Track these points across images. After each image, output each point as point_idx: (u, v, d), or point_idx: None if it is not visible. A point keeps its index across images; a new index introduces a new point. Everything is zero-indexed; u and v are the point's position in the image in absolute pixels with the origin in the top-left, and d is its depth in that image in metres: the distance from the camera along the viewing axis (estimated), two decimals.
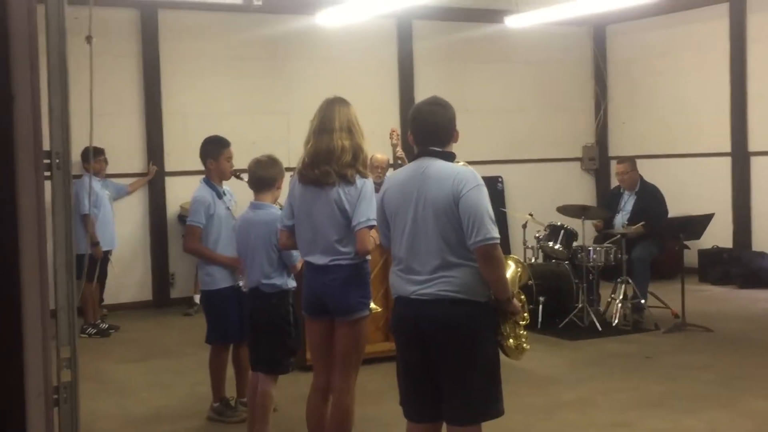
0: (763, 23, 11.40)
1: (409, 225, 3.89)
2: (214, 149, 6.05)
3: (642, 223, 8.96)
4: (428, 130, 3.97)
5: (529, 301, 8.49)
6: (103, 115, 9.76)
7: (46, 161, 2.24)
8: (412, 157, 4.11)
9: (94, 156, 9.10)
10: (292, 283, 5.27)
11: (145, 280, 10.78)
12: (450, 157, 3.95)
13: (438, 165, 3.89)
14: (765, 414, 6.03)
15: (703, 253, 11.58)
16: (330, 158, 4.45)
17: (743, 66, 11.60)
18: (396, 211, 3.96)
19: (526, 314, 4.10)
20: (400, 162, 9.08)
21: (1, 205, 2.07)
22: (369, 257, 4.58)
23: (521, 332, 4.05)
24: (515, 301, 3.92)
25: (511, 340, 3.97)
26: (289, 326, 5.24)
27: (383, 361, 6.80)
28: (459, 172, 3.84)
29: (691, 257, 11.00)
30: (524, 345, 4.07)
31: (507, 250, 11.26)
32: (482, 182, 3.84)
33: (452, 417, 3.92)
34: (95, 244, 8.96)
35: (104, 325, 9.26)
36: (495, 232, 3.74)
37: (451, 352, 3.83)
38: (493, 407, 3.93)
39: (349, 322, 4.49)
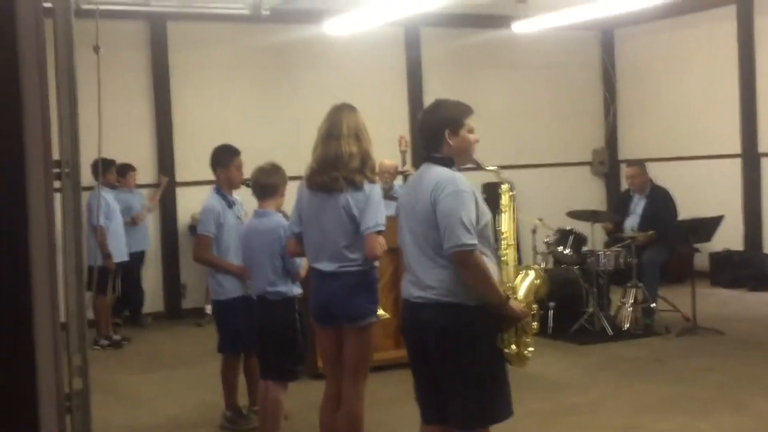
0: None
1: (408, 232, 3.96)
2: (225, 158, 6.09)
3: (651, 232, 8.94)
4: (422, 136, 4.03)
5: (539, 307, 8.57)
6: (113, 127, 9.81)
7: (56, 170, 2.26)
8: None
9: (104, 167, 9.21)
10: (297, 290, 5.30)
11: (156, 290, 10.81)
12: (447, 162, 3.92)
13: (431, 171, 3.92)
14: None
15: (713, 256, 11.55)
16: (338, 164, 4.48)
17: (752, 67, 11.59)
18: (401, 219, 4.03)
19: (535, 324, 4.06)
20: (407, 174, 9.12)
21: (12, 212, 2.09)
22: (377, 263, 4.59)
23: (527, 340, 3.99)
24: (515, 306, 3.87)
25: (513, 347, 3.90)
26: (295, 333, 5.26)
27: (394, 368, 6.81)
28: (442, 177, 3.85)
29: (701, 260, 10.98)
30: (526, 353, 3.98)
31: (517, 256, 11.23)
32: (465, 188, 3.79)
33: (453, 420, 3.94)
34: (107, 255, 9.01)
35: (117, 337, 9.30)
36: (466, 239, 3.71)
37: (444, 356, 3.87)
38: (492, 411, 3.90)
39: (356, 328, 4.50)
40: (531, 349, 4.02)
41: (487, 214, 3.88)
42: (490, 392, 3.89)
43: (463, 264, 3.74)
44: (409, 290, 3.97)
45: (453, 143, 3.92)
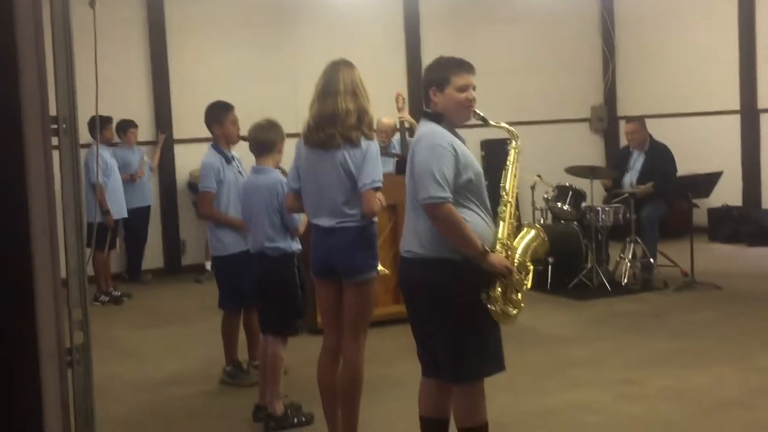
0: None
1: (407, 187, 4.05)
2: (219, 114, 6.09)
3: (651, 183, 8.96)
4: (421, 94, 4.10)
5: (538, 262, 8.60)
6: (109, 83, 9.71)
7: (54, 127, 2.26)
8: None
9: (102, 125, 9.20)
10: (296, 246, 5.32)
11: (156, 247, 10.84)
12: (434, 117, 3.98)
13: (420, 127, 4.05)
14: None
15: (712, 212, 11.58)
16: (334, 121, 4.47)
17: (752, 23, 11.51)
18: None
19: (528, 283, 4.04)
20: (408, 126, 9.09)
21: (10, 169, 2.10)
22: (376, 219, 4.60)
23: (515, 297, 3.93)
24: (495, 259, 3.83)
25: (499, 305, 3.86)
26: (295, 288, 5.29)
27: (393, 324, 6.86)
28: (421, 133, 3.96)
29: (700, 216, 11.00)
30: (511, 311, 3.92)
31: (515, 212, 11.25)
32: (440, 142, 3.83)
33: (444, 375, 3.99)
34: (106, 212, 9.04)
35: (117, 293, 9.35)
36: (434, 191, 3.75)
37: (426, 310, 3.93)
38: (482, 366, 3.93)
39: (356, 283, 4.52)
40: (517, 310, 3.94)
41: (472, 168, 3.89)
42: (479, 347, 3.91)
43: (433, 216, 3.80)
44: (402, 244, 4.07)
45: (438, 101, 3.97)
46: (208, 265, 9.88)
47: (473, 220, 3.86)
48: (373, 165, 4.46)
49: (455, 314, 3.86)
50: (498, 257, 3.86)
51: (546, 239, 4.24)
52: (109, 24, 9.87)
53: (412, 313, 4.09)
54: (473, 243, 3.79)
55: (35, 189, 2.12)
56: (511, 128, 4.26)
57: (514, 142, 4.25)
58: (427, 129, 3.95)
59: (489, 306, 3.84)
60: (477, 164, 3.96)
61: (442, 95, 3.96)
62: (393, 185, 5.59)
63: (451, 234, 3.80)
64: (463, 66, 4.01)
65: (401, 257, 4.07)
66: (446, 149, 3.82)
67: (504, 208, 4.04)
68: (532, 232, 4.16)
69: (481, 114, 4.10)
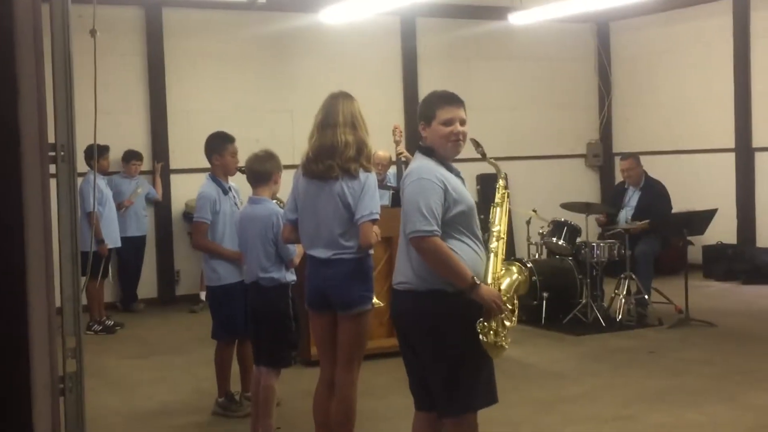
0: (767, 19, 11.40)
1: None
2: (219, 145, 6.10)
3: (647, 221, 8.97)
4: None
5: (533, 297, 8.62)
6: (108, 113, 9.81)
7: (51, 154, 2.27)
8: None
9: (99, 153, 9.22)
10: (291, 277, 5.31)
11: (150, 277, 10.81)
12: (426, 151, 4.01)
13: (413, 161, 4.06)
14: (767, 408, 6.04)
15: (707, 249, 11.59)
16: (333, 152, 4.49)
17: (747, 62, 11.61)
18: None
19: (515, 318, 4.01)
20: (404, 159, 9.11)
21: (7, 196, 2.10)
22: (372, 251, 4.61)
23: (503, 332, 3.90)
24: (485, 291, 3.81)
25: (491, 335, 3.85)
26: (288, 320, 5.28)
27: (387, 357, 6.83)
28: (411, 168, 3.98)
29: (695, 253, 11.03)
30: (503, 343, 3.91)
31: (511, 247, 11.28)
32: (428, 176, 3.84)
33: (439, 408, 3.98)
34: (100, 241, 9.03)
35: (110, 322, 9.31)
36: (420, 225, 3.76)
37: (417, 342, 3.93)
38: (475, 398, 3.92)
39: (351, 315, 4.52)
40: (507, 341, 3.93)
41: (464, 202, 3.90)
42: (472, 378, 3.89)
43: (418, 249, 3.82)
44: (394, 276, 4.07)
45: (427, 134, 4.00)
46: (203, 295, 9.85)
47: (464, 251, 3.87)
48: (370, 197, 4.48)
49: (448, 345, 3.85)
50: (488, 290, 3.86)
51: (527, 276, 4.26)
52: (109, 54, 9.94)
53: (404, 345, 4.07)
54: (462, 274, 3.79)
55: (32, 216, 2.12)
56: (498, 166, 4.27)
57: (500, 180, 4.26)
58: (418, 164, 3.98)
59: (481, 337, 3.84)
60: (469, 197, 3.97)
61: (430, 129, 3.98)
62: (389, 218, 5.59)
63: (439, 266, 3.82)
64: (449, 100, 4.01)
65: (393, 289, 4.06)
66: (434, 183, 3.83)
67: (497, 243, 4.05)
68: (514, 268, 4.17)
69: (481, 146, 4.13)
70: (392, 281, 4.09)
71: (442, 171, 3.91)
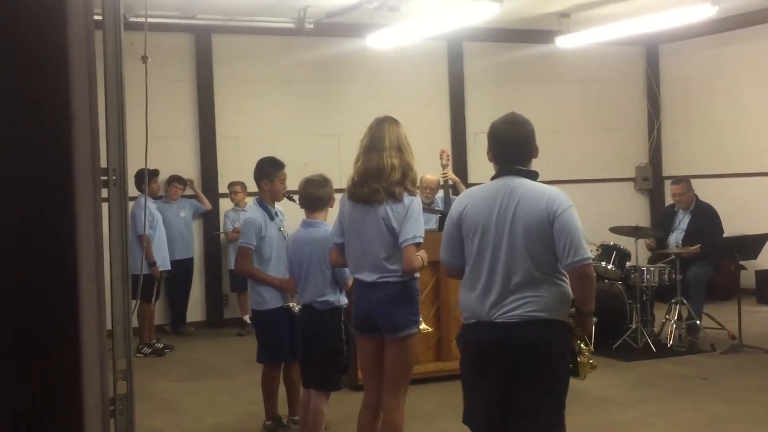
0: None
1: (491, 243, 3.87)
2: (270, 170, 6.11)
3: (699, 245, 8.84)
4: (509, 148, 4.01)
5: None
6: (158, 137, 9.91)
7: (103, 178, 2.31)
8: (493, 175, 4.05)
9: (149, 177, 9.35)
10: (344, 300, 5.32)
11: (198, 300, 10.90)
12: (533, 175, 3.98)
13: (526, 184, 3.92)
14: None
15: (760, 274, 11.37)
16: (379, 176, 4.50)
17: None
18: (477, 228, 3.92)
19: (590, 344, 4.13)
20: (452, 183, 9.09)
21: (60, 219, 2.13)
22: (417, 275, 4.60)
23: (587, 350, 4.05)
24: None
25: (586, 355, 3.98)
26: (340, 343, 5.28)
27: (435, 381, 6.79)
28: (551, 192, 3.91)
29: (748, 278, 10.83)
30: (593, 361, 4.07)
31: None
32: (572, 203, 3.91)
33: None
34: (152, 263, 9.14)
35: (159, 345, 9.40)
36: (589, 252, 3.84)
37: (540, 373, 3.83)
38: (561, 425, 3.95)
39: (397, 339, 4.51)
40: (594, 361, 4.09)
41: None
42: (564, 407, 3.95)
43: (585, 276, 3.84)
44: (484, 309, 3.86)
45: (534, 156, 4.05)
46: (247, 318, 9.91)
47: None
48: (414, 221, 4.48)
49: (561, 374, 3.91)
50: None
51: None
52: (160, 80, 10.08)
53: (494, 375, 3.86)
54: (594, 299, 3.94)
55: (84, 238, 2.15)
56: None
57: None
58: (551, 189, 3.95)
59: (579, 359, 3.94)
60: None
61: (536, 150, 4.06)
62: (436, 242, 5.57)
63: (592, 290, 3.90)
64: None
65: (491, 323, 3.83)
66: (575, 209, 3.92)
67: None
68: None
69: None
70: (485, 314, 3.85)
71: None
